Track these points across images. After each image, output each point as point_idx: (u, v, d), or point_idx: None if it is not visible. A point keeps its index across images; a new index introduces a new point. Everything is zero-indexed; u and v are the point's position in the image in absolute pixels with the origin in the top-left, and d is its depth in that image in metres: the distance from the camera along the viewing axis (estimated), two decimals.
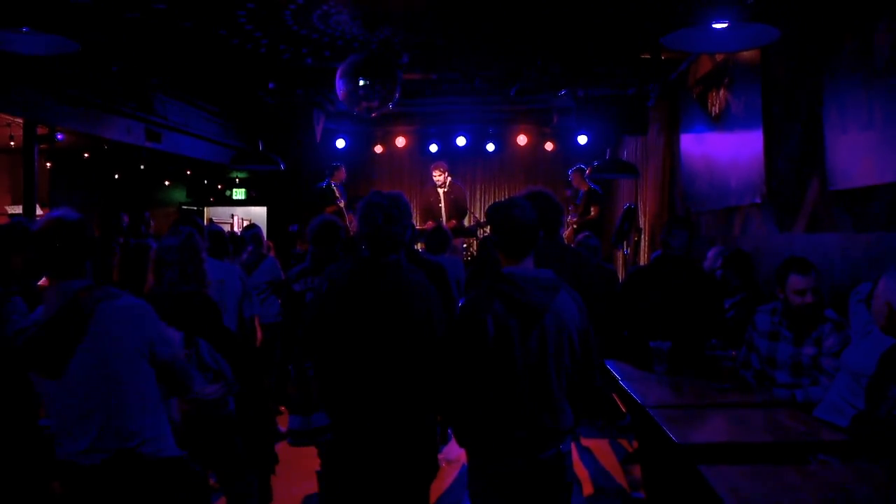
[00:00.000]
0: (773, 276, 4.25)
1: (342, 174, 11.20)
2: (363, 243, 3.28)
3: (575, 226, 10.50)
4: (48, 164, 11.70)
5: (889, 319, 3.30)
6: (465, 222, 11.14)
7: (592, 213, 10.61)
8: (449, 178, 10.84)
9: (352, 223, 9.34)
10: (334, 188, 10.92)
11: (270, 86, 9.18)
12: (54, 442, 2.77)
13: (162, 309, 3.54)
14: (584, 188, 10.79)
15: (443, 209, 10.80)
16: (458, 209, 10.86)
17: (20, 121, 8.28)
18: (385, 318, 3.16)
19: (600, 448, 6.13)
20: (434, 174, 10.81)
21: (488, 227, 8.89)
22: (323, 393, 3.23)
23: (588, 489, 5.29)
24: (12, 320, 2.98)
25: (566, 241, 9.84)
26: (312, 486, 5.21)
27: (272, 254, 8.18)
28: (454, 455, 5.73)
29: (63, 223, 2.79)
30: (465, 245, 10.82)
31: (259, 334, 6.44)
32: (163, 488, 2.78)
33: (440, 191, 10.82)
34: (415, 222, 9.01)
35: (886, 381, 3.19)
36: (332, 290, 3.25)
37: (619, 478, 5.53)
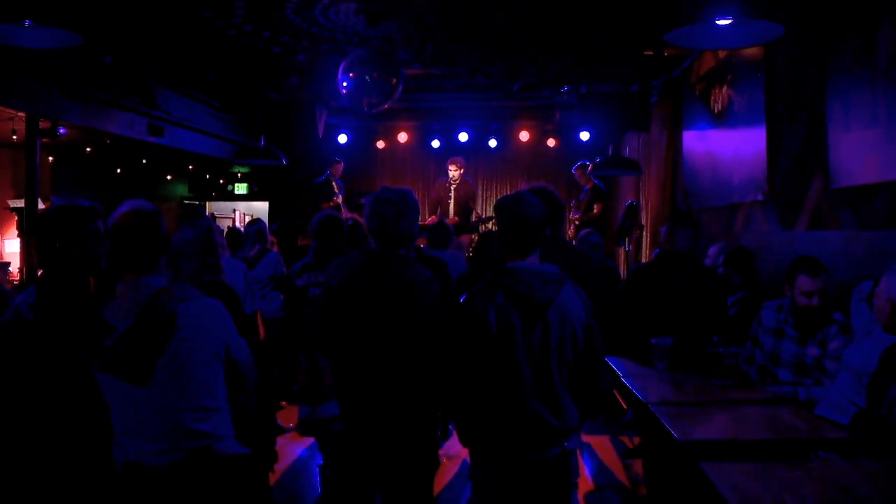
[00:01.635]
0: (782, 272, 4.24)
1: (339, 169, 11.21)
2: (372, 238, 3.28)
3: (577, 222, 10.50)
4: (50, 159, 11.69)
5: (892, 317, 3.30)
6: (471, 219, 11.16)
7: (595, 211, 10.60)
8: (462, 174, 10.87)
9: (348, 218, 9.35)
10: (332, 183, 10.94)
11: (268, 75, 9.17)
12: (115, 444, 2.69)
13: None
14: (588, 185, 10.78)
15: (451, 204, 10.82)
16: (464, 206, 10.88)
17: (22, 115, 8.27)
18: (392, 311, 3.17)
19: (601, 444, 6.14)
20: (450, 168, 10.85)
21: (490, 222, 8.82)
22: (336, 384, 3.23)
23: (588, 485, 5.30)
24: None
25: (568, 238, 9.88)
26: (311, 484, 5.24)
27: (275, 248, 8.20)
28: (455, 451, 5.74)
29: (141, 215, 2.68)
30: (471, 240, 10.83)
31: (262, 330, 6.45)
32: (234, 484, 2.72)
33: (451, 186, 10.84)
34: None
35: (887, 379, 3.19)
36: (342, 283, 3.25)
37: (620, 474, 5.54)
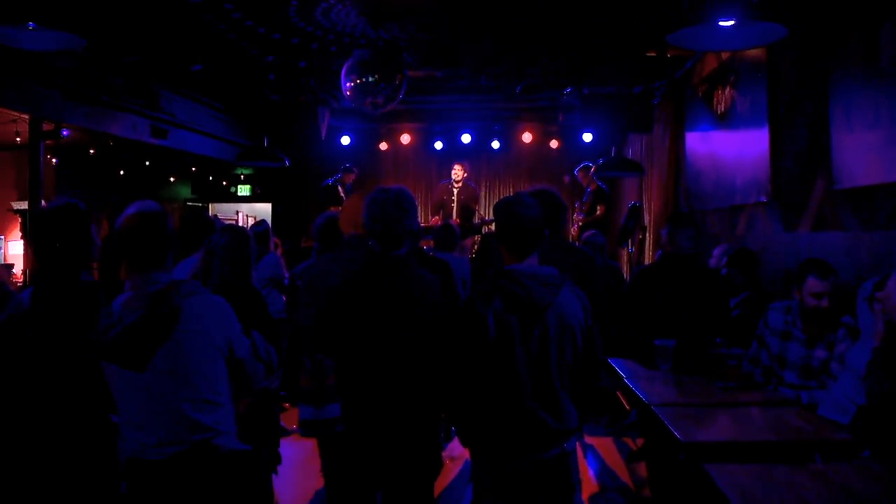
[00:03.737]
0: (785, 273, 4.25)
1: (351, 178, 11.26)
2: (371, 239, 3.29)
3: (581, 223, 10.50)
4: (53, 160, 11.71)
5: None
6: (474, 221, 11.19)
7: (598, 212, 10.60)
8: (465, 178, 10.91)
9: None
10: (339, 188, 10.96)
11: (271, 77, 9.17)
12: (120, 438, 2.75)
13: None
14: (591, 186, 10.78)
15: (454, 207, 10.85)
16: (466, 209, 10.90)
17: (26, 117, 8.29)
18: (393, 311, 3.17)
19: (604, 446, 6.13)
20: (455, 169, 10.89)
21: (493, 224, 8.83)
22: (340, 385, 3.24)
23: (592, 487, 5.29)
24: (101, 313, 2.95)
25: (571, 240, 9.88)
26: (314, 486, 5.24)
27: (280, 251, 8.21)
28: (457, 452, 5.74)
29: (148, 214, 2.80)
30: (473, 242, 10.86)
31: None
32: (234, 480, 2.79)
33: (454, 188, 10.87)
34: (420, 218, 9.02)
35: (881, 375, 3.19)
36: (343, 284, 3.25)
37: (623, 476, 5.53)
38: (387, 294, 3.18)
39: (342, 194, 11.17)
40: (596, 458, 5.88)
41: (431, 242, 7.10)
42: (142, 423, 2.69)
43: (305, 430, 3.22)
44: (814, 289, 4.02)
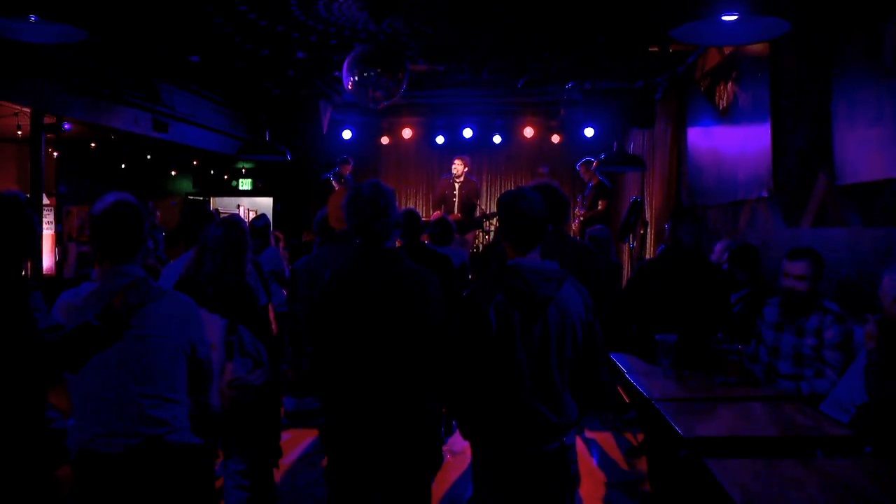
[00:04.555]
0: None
1: (348, 169, 11.24)
2: (355, 235, 3.28)
3: (582, 218, 10.50)
4: (55, 154, 11.71)
5: None
6: (475, 215, 11.20)
7: (600, 207, 10.59)
8: (466, 172, 10.92)
9: None
10: (333, 183, 10.97)
11: (272, 70, 9.16)
12: (70, 430, 2.79)
13: (205, 296, 3.60)
14: (593, 181, 10.77)
15: (456, 202, 10.86)
16: (468, 203, 10.90)
17: (27, 110, 8.30)
18: (384, 305, 3.16)
19: (604, 440, 6.14)
20: (455, 164, 10.90)
21: (494, 219, 8.81)
22: (314, 376, 3.25)
23: (592, 482, 5.30)
24: (36, 317, 2.88)
25: (573, 234, 9.88)
26: (314, 479, 5.25)
27: (282, 245, 8.21)
28: (459, 447, 5.74)
29: (122, 206, 2.81)
30: (475, 236, 10.87)
31: (274, 324, 6.48)
32: (183, 473, 2.84)
33: (455, 183, 10.88)
34: (421, 213, 9.03)
35: (880, 376, 3.20)
36: (334, 279, 3.25)
37: (623, 470, 5.54)
38: (374, 288, 3.17)
39: (336, 187, 11.16)
40: (596, 452, 5.89)
41: (428, 237, 7.10)
42: (97, 417, 2.74)
43: (290, 420, 3.23)
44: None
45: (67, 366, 2.73)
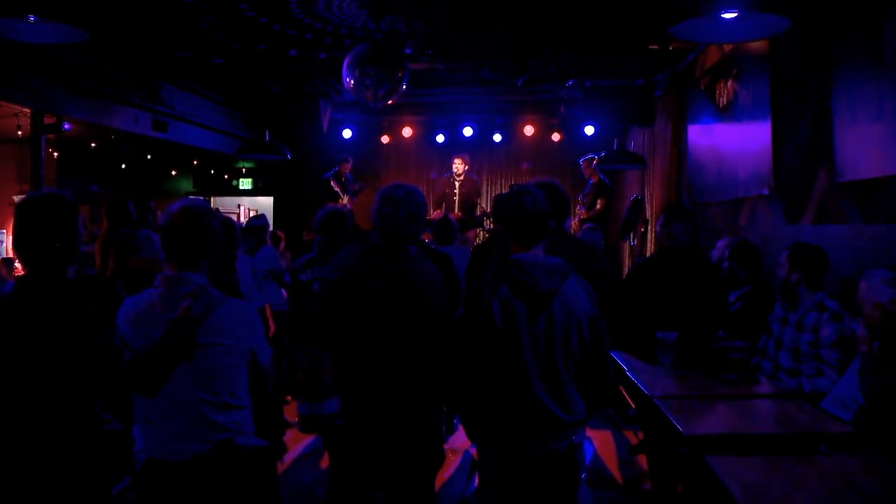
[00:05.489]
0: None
1: (347, 168, 11.27)
2: (377, 233, 3.28)
3: (582, 217, 10.50)
4: (55, 154, 11.72)
5: (883, 322, 3.28)
6: (475, 213, 11.21)
7: (599, 205, 10.59)
8: (466, 171, 10.93)
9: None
10: (332, 183, 10.99)
11: (271, 69, 9.15)
12: (136, 439, 2.76)
13: None
14: (593, 179, 10.76)
15: (456, 200, 10.87)
16: (468, 202, 10.91)
17: (27, 110, 8.30)
18: (394, 303, 3.16)
19: (603, 438, 6.14)
20: (455, 162, 10.91)
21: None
22: (338, 379, 3.24)
23: (592, 480, 5.30)
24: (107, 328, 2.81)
25: (572, 232, 9.87)
26: (314, 479, 5.25)
27: (282, 245, 8.21)
28: (458, 445, 5.75)
29: (190, 211, 2.77)
30: (476, 234, 10.88)
31: (272, 324, 6.48)
32: (253, 476, 2.81)
33: (456, 181, 10.88)
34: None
35: (874, 377, 3.21)
36: (342, 277, 3.25)
37: (623, 468, 5.54)
38: (386, 287, 3.18)
39: (337, 189, 11.18)
40: (595, 449, 5.89)
41: (430, 236, 7.10)
42: (163, 426, 2.70)
43: (304, 425, 3.22)
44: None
45: (142, 391, 2.67)
